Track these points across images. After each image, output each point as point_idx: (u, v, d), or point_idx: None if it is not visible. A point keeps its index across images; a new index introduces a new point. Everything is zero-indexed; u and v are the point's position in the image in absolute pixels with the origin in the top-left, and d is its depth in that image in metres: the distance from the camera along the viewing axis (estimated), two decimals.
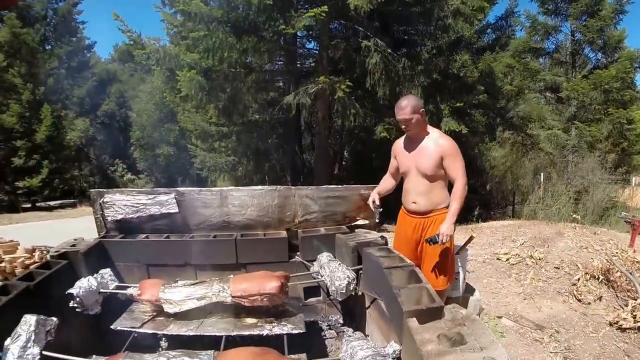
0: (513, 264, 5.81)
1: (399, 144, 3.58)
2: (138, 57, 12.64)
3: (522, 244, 6.55)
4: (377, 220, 3.81)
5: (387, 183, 3.74)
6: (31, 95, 19.45)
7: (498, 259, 6.09)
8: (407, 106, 3.19)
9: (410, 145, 3.41)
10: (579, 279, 5.05)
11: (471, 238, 4.44)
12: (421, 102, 3.33)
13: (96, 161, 31.25)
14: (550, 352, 3.65)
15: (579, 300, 4.71)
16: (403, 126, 3.30)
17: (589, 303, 4.59)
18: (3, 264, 5.08)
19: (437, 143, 3.27)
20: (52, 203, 19.73)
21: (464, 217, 11.94)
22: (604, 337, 4.03)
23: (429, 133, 3.34)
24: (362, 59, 10.41)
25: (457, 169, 3.22)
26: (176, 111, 21.50)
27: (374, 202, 3.59)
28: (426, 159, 3.26)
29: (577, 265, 5.46)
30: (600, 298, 4.75)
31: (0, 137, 19.22)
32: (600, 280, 5.00)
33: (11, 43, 18.99)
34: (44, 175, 19.79)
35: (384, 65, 9.74)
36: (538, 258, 5.78)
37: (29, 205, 19.49)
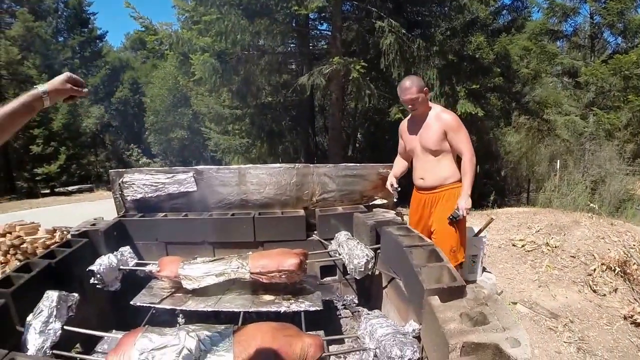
0: (529, 251, 5.76)
1: (403, 125, 3.65)
2: (150, 44, 12.67)
3: (538, 231, 6.48)
4: (395, 200, 3.82)
5: (399, 165, 3.79)
6: None
7: (513, 245, 6.04)
8: (412, 86, 3.24)
9: (414, 124, 3.47)
10: (594, 270, 4.97)
11: (491, 220, 4.41)
12: (423, 81, 3.38)
13: (111, 146, 31.72)
14: (564, 342, 3.63)
15: (594, 291, 4.64)
16: (409, 106, 3.35)
17: (604, 295, 4.53)
18: (24, 245, 5.19)
19: (439, 118, 3.31)
20: (70, 188, 20.21)
21: (479, 203, 11.85)
22: (618, 330, 3.98)
23: (430, 109, 3.40)
24: (375, 40, 10.25)
25: (462, 142, 3.27)
26: (189, 95, 21.69)
27: (392, 185, 3.62)
28: (429, 135, 3.32)
29: (593, 255, 5.38)
30: (615, 290, 4.68)
31: None
32: (616, 272, 4.91)
33: (25, 37, 19.41)
34: (62, 162, 20.31)
35: (398, 46, 9.56)
36: (554, 246, 5.71)
37: (48, 191, 19.93)
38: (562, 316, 4.08)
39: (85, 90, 1.59)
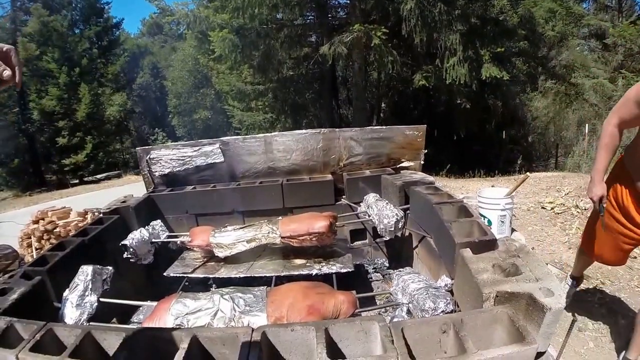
0: (558, 213, 5.65)
1: None
2: (167, 26, 12.74)
3: (567, 193, 6.35)
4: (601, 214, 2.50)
5: (610, 151, 2.43)
6: (67, 78, 20.20)
7: (543, 207, 5.93)
8: None
9: None
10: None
11: (526, 177, 4.35)
12: None
13: (136, 132, 32.13)
14: (595, 303, 3.57)
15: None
16: None
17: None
18: (57, 229, 5.32)
19: None
20: (98, 176, 20.65)
21: (505, 170, 11.67)
22: None
23: None
24: (395, 6, 10.09)
25: None
26: (210, 75, 21.74)
27: (601, 199, 2.44)
28: None
29: None
30: None
31: (43, 120, 20.17)
32: None
33: (41, 32, 19.67)
34: (88, 151, 20.75)
35: (419, 11, 9.39)
36: (584, 208, 5.58)
37: (77, 181, 20.39)
38: (593, 277, 4.00)
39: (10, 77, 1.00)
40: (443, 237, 2.29)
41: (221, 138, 3.74)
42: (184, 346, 1.44)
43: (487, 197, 4.32)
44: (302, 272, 2.74)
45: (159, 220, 3.43)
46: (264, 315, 2.01)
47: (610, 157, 2.45)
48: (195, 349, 1.48)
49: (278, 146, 3.71)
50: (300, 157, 3.74)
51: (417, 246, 2.96)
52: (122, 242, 2.95)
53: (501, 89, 14.04)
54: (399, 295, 2.20)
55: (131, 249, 2.96)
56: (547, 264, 4.40)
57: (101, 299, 2.32)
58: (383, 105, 17.68)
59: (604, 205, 2.45)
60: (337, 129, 3.77)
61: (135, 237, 3.04)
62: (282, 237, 2.79)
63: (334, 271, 2.71)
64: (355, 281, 2.98)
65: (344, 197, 3.67)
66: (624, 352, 2.59)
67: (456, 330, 1.45)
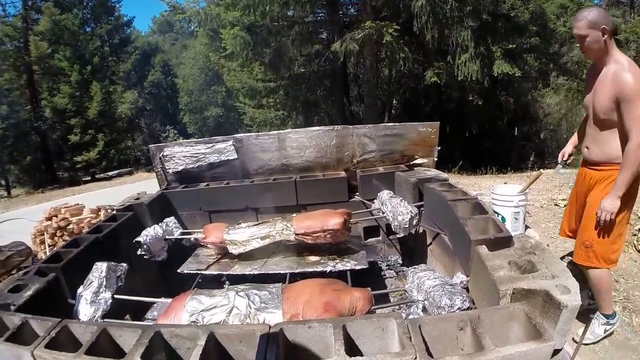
0: None
1: (589, 69, 2.76)
2: (178, 23, 12.76)
3: None
4: (559, 172, 3.24)
5: (582, 126, 2.92)
6: (79, 76, 20.29)
7: (556, 204, 5.87)
8: (583, 18, 2.39)
9: (593, 75, 2.58)
10: (639, 230, 4.79)
11: (539, 174, 4.31)
12: (608, 18, 2.42)
13: (148, 130, 32.27)
14: None
15: (639, 251, 4.49)
16: (578, 44, 2.57)
17: None
18: (71, 226, 5.36)
19: (616, 78, 2.38)
20: (110, 173, 20.74)
21: (517, 167, 11.57)
22: None
23: (609, 59, 2.46)
24: (406, 2, 10.02)
25: (632, 120, 2.34)
26: (221, 72, 21.76)
27: (562, 155, 3.07)
28: (600, 97, 2.47)
29: (637, 215, 5.17)
30: None
31: (55, 118, 20.36)
32: None
33: (53, 30, 19.77)
34: (100, 148, 20.82)
35: (430, 8, 9.32)
36: None
37: (89, 178, 20.53)
38: None
39: None
40: (458, 234, 2.28)
41: (234, 135, 3.75)
42: (201, 343, 1.45)
43: (501, 194, 4.29)
44: (316, 269, 2.75)
45: (172, 217, 3.45)
46: (280, 312, 2.01)
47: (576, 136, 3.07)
48: (211, 345, 1.49)
49: (291, 143, 3.72)
50: (313, 154, 3.75)
51: (431, 243, 2.96)
52: (136, 239, 2.97)
53: (513, 85, 13.93)
54: (414, 293, 2.20)
55: (145, 246, 2.97)
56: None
57: (115, 296, 2.34)
58: (394, 102, 17.59)
59: (565, 160, 3.09)
60: (350, 126, 3.77)
61: (149, 234, 3.06)
62: (297, 234, 2.80)
63: (348, 268, 2.71)
64: (368, 278, 2.99)
65: (357, 194, 3.68)
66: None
67: (473, 327, 1.45)
